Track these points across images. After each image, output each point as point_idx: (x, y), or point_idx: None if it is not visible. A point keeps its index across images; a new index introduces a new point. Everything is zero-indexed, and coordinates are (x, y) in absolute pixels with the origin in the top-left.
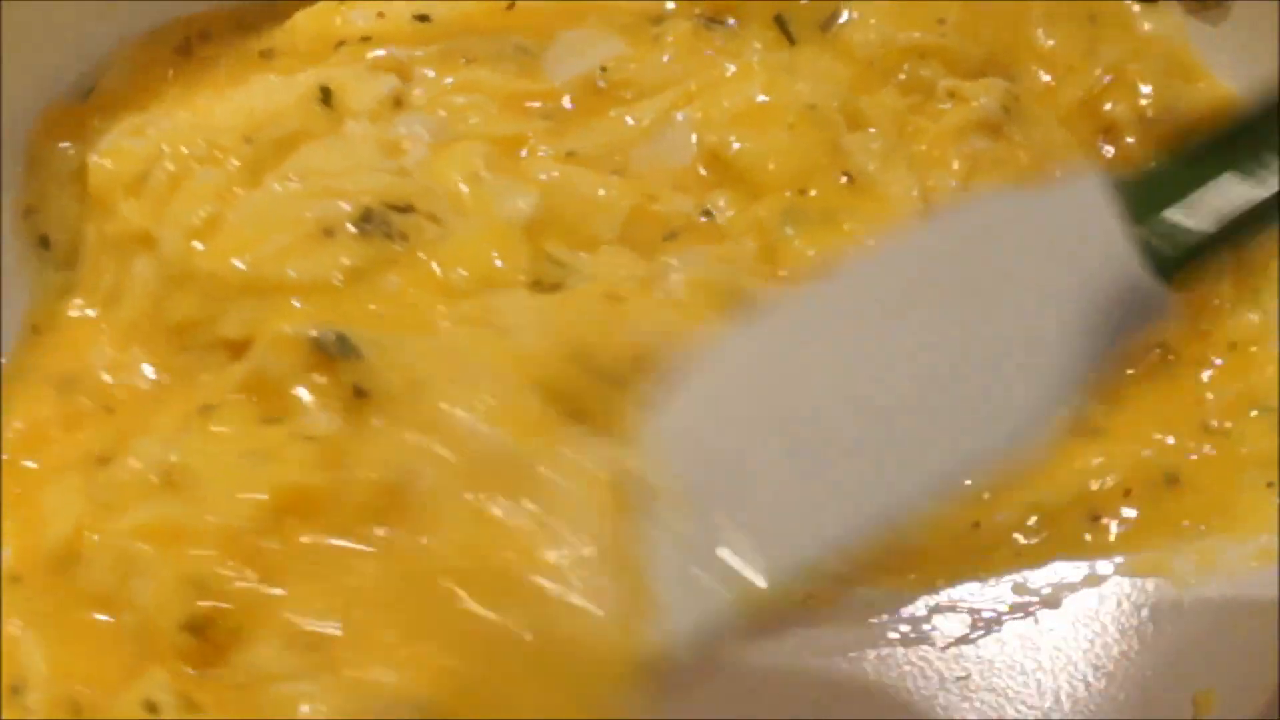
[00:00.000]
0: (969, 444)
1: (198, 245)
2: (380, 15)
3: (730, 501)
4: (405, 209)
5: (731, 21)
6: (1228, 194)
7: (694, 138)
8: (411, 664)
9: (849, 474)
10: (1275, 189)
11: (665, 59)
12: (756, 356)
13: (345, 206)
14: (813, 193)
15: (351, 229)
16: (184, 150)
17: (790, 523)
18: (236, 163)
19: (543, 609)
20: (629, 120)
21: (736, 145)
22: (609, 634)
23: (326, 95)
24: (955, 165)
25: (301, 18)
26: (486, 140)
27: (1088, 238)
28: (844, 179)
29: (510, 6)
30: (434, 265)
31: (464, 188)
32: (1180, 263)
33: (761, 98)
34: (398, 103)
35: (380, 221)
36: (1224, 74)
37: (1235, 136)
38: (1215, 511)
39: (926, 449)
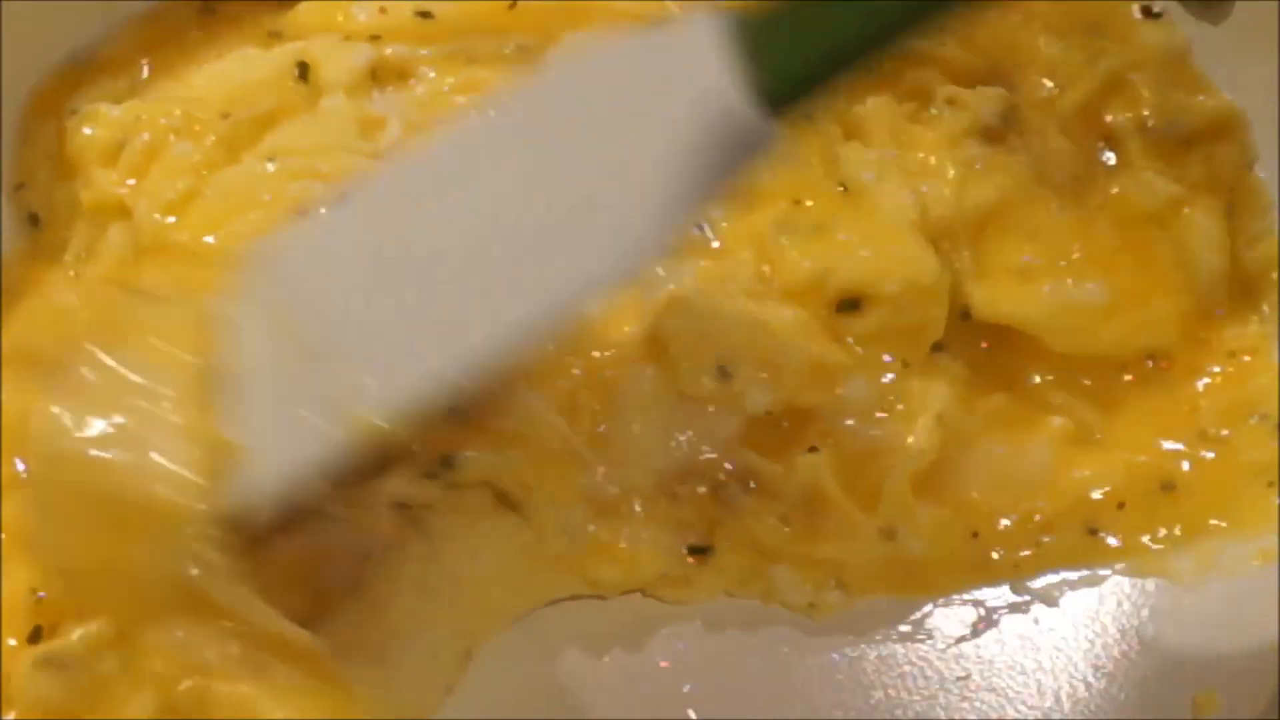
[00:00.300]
0: (579, 270)
1: (170, 219)
2: (382, 10)
3: (340, 347)
4: None
5: None
6: (829, 27)
7: None
8: None
9: (460, 309)
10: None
11: None
12: (369, 211)
13: (319, 187)
14: (808, 203)
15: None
16: (162, 121)
17: (400, 360)
18: (213, 138)
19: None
20: None
21: None
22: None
23: (304, 70)
24: (951, 173)
25: (305, 9)
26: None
27: (695, 75)
28: (839, 189)
29: (512, 6)
30: None
31: None
32: (787, 96)
33: None
34: (374, 75)
35: None
36: (1225, 84)
37: None
38: (1215, 514)
39: (538, 278)
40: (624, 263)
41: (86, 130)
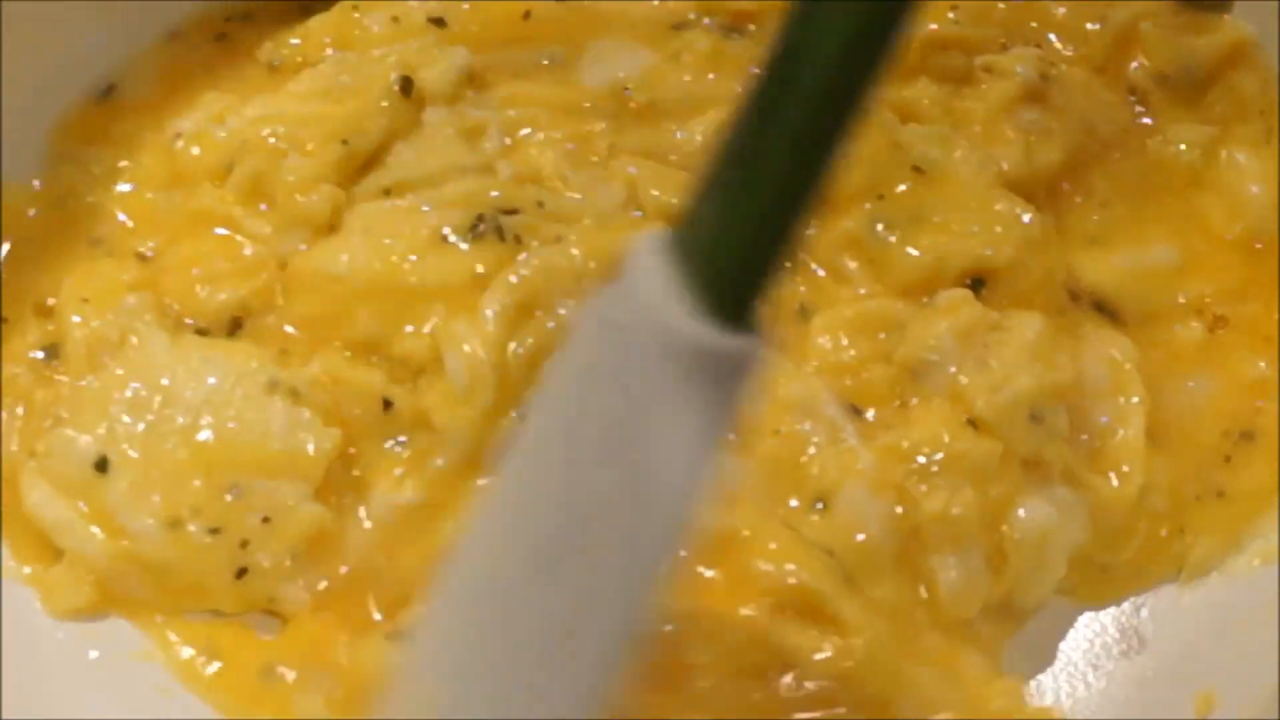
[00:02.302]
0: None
1: (302, 247)
2: (395, 19)
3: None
4: (511, 211)
5: (751, 28)
6: (745, 216)
7: None
8: None
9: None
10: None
11: (687, 79)
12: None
13: (454, 215)
14: (891, 193)
15: (464, 237)
16: (271, 143)
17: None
18: (326, 160)
19: None
20: (679, 134)
21: None
22: None
23: (407, 85)
24: (1012, 136)
25: (316, 23)
26: (558, 138)
27: (652, 319)
28: (915, 172)
29: (526, 15)
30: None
31: (557, 184)
32: (741, 300)
33: None
34: (471, 79)
35: (492, 225)
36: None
37: (726, 158)
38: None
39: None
40: (670, 541)
41: (195, 150)
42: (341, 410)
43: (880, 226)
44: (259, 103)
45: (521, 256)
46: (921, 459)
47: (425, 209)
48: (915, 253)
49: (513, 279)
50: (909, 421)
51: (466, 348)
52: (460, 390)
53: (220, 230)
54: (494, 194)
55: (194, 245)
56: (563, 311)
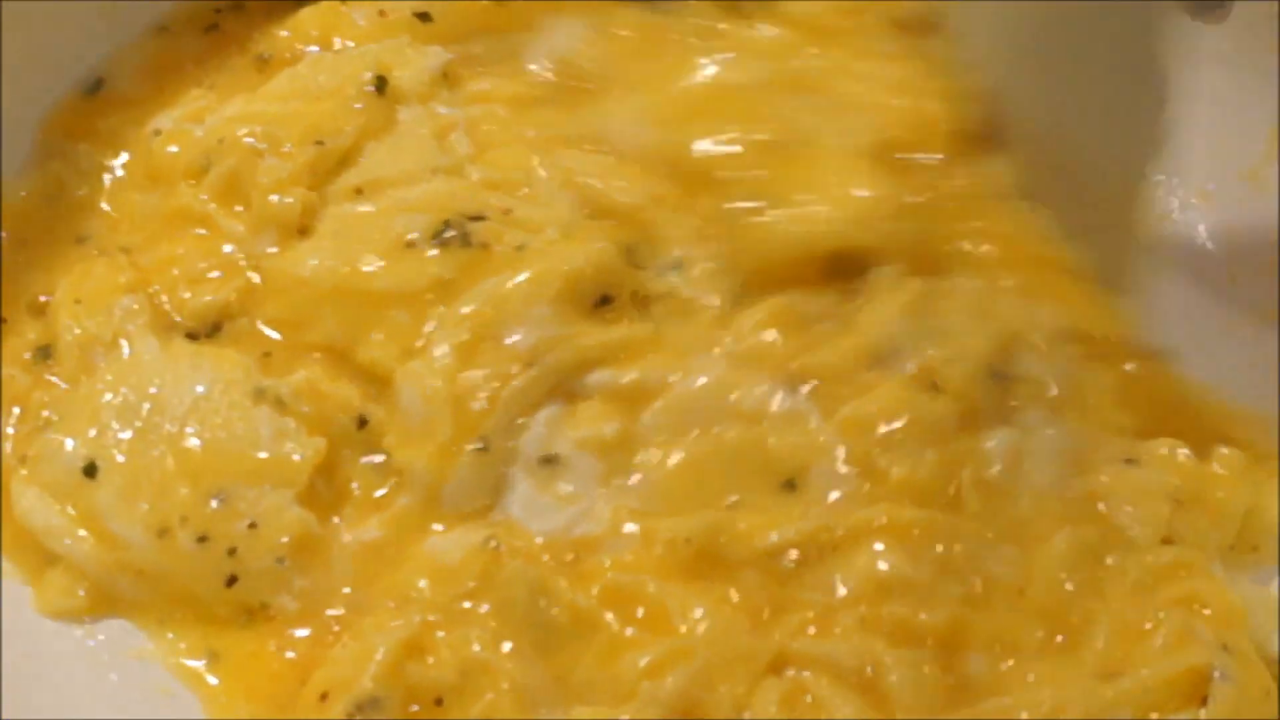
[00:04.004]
0: None
1: (272, 249)
2: (382, 14)
3: None
4: (478, 218)
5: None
6: None
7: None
8: None
9: None
10: None
11: (611, 54)
12: None
13: (421, 220)
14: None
15: (430, 243)
16: (248, 143)
17: None
18: (301, 161)
19: None
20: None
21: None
22: None
23: (381, 84)
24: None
25: (305, 15)
26: (528, 138)
27: None
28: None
29: (502, 2)
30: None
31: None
32: None
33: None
34: (445, 76)
35: (459, 232)
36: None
37: None
38: None
39: None
40: None
41: (172, 148)
42: (324, 420)
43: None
44: (238, 102)
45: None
46: (883, 428)
47: (394, 214)
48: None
49: (464, 310)
50: (869, 397)
51: (422, 385)
52: (417, 427)
53: (199, 230)
54: (462, 198)
55: (172, 245)
56: (514, 339)
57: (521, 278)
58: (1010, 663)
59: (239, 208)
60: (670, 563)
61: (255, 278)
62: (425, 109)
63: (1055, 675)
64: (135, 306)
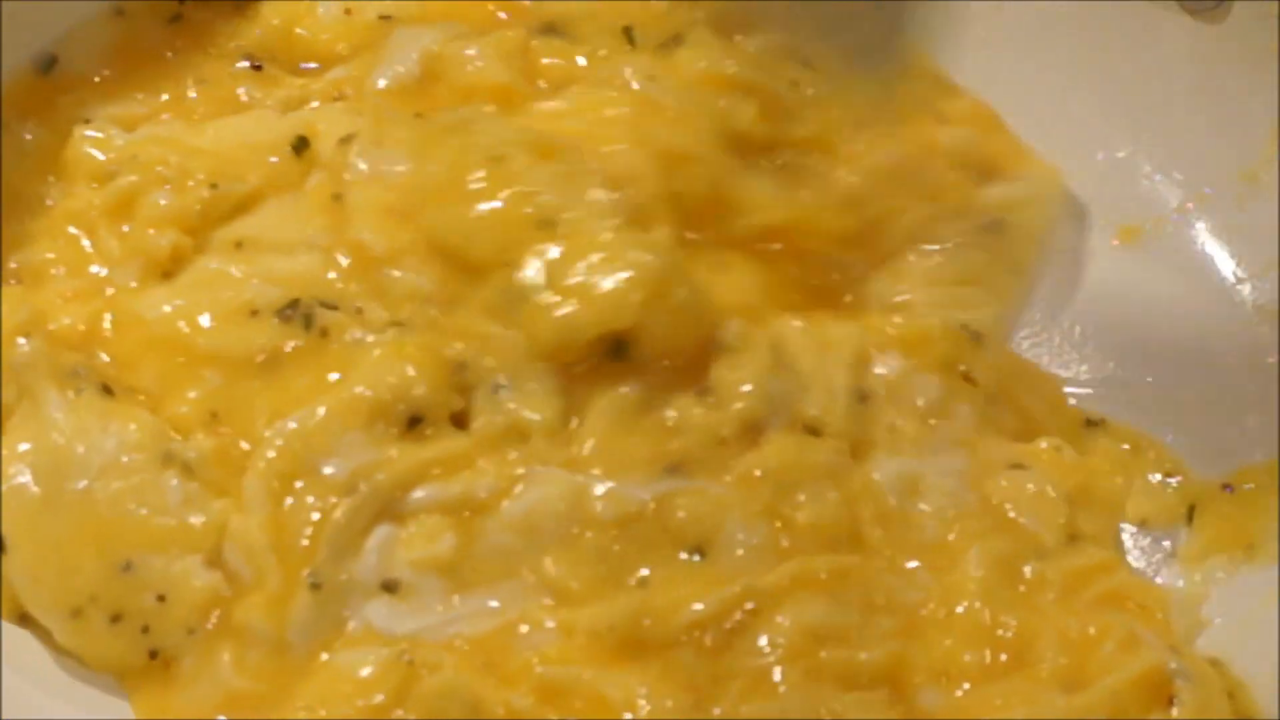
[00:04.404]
0: None
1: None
2: (347, 12)
3: None
4: (331, 306)
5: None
6: None
7: None
8: None
9: None
10: None
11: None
12: None
13: (274, 293)
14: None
15: (273, 317)
16: (157, 169)
17: None
18: (191, 200)
19: None
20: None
21: None
22: None
23: (301, 145)
24: None
25: (268, 10)
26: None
27: None
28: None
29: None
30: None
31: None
32: None
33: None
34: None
35: (303, 313)
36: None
37: None
38: None
39: None
40: None
41: (89, 149)
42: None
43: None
44: (175, 126)
45: (267, 433)
46: (781, 478)
47: (254, 278)
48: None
49: (270, 454)
50: (757, 453)
51: (244, 543)
52: (249, 582)
53: (83, 241)
54: (321, 283)
55: (50, 246)
56: (329, 470)
57: (323, 410)
58: (965, 687)
59: (126, 227)
60: (596, 650)
61: (107, 306)
62: (330, 176)
63: (1020, 693)
64: (32, 351)
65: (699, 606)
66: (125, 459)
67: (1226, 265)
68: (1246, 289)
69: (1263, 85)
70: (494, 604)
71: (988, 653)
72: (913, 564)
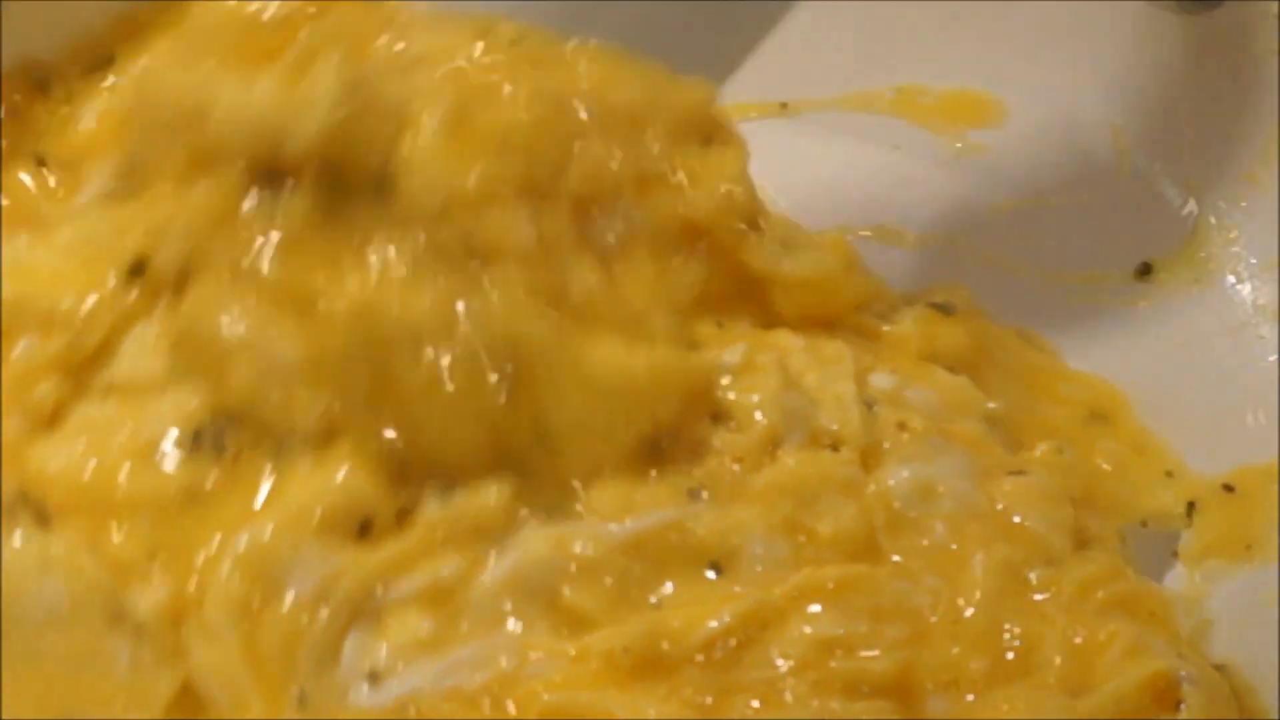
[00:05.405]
0: None
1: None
2: None
3: None
4: (234, 424)
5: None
6: None
7: None
8: None
9: None
10: None
11: None
12: None
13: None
14: None
15: (181, 451)
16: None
17: None
18: (55, 348)
19: None
20: None
21: None
22: None
23: (140, 268)
24: None
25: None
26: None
27: None
28: None
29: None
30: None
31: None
32: None
33: None
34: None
35: (213, 440)
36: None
37: None
38: None
39: None
40: None
41: None
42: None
43: None
44: (19, 242)
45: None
46: (802, 491)
47: (142, 418)
48: None
49: (225, 578)
50: (777, 467)
51: (221, 676)
52: (229, 709)
53: None
54: (212, 407)
55: None
56: (292, 592)
57: (270, 527)
58: (971, 696)
59: None
60: (609, 673)
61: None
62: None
63: (1026, 698)
64: None
65: (714, 624)
66: (70, 614)
67: (1226, 265)
68: (1246, 289)
69: (1262, 85)
70: (491, 651)
71: (991, 659)
72: (921, 570)
